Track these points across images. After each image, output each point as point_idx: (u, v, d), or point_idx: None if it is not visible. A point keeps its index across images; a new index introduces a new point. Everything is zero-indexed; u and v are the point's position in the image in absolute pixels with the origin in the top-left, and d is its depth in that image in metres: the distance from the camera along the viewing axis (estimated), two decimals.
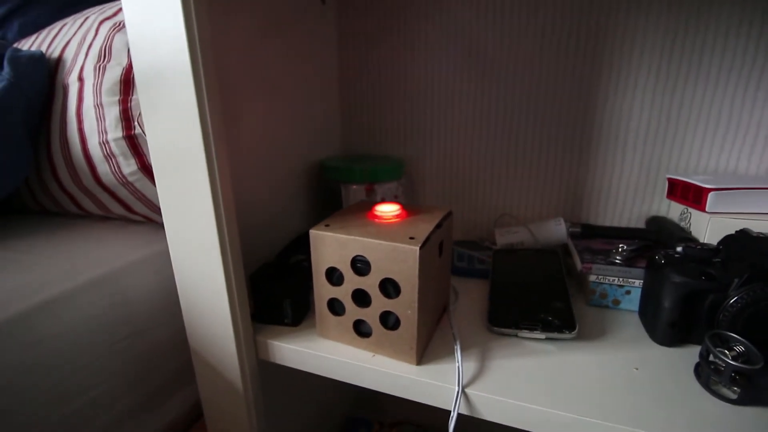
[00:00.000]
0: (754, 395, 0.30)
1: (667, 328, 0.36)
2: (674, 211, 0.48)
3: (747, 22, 0.43)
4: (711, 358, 0.32)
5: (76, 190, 0.54)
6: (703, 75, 0.46)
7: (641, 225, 0.52)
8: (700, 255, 0.36)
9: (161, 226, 0.57)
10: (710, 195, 0.41)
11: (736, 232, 0.37)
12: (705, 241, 0.42)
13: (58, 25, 0.61)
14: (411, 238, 0.33)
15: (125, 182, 0.50)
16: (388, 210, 0.38)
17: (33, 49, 0.60)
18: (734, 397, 0.31)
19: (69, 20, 0.60)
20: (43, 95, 0.52)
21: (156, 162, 0.36)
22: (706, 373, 0.32)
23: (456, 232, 0.62)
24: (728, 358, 0.31)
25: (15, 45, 0.65)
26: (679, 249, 0.38)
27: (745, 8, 0.43)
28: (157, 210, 0.54)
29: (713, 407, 0.31)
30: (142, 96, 0.34)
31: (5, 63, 0.50)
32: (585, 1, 0.48)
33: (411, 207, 0.41)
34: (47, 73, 0.53)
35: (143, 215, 0.56)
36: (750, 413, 0.30)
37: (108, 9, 0.55)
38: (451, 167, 0.60)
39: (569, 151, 0.53)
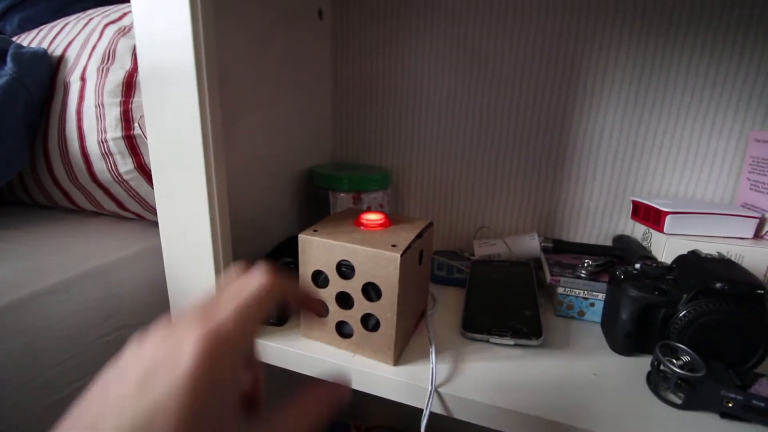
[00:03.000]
0: (696, 400, 0.33)
1: (624, 338, 0.39)
2: (638, 230, 0.52)
3: (705, 62, 0.48)
4: (661, 366, 0.35)
5: (70, 186, 0.55)
6: (666, 108, 0.50)
7: (608, 242, 0.56)
8: (656, 272, 0.40)
9: (152, 223, 0.59)
10: (668, 218, 0.45)
11: (688, 252, 0.41)
12: (663, 260, 0.46)
13: (60, 23, 0.62)
14: (393, 245, 0.36)
15: (121, 180, 0.51)
16: (373, 218, 0.41)
17: (33, 44, 0.61)
18: (679, 402, 0.34)
19: (72, 20, 0.61)
20: (43, 92, 0.54)
21: (155, 161, 0.38)
22: (655, 380, 0.35)
23: (437, 242, 0.65)
24: (675, 366, 0.34)
25: (14, 39, 0.66)
26: (637, 266, 0.41)
27: (705, 49, 0.47)
28: (149, 208, 0.56)
29: (661, 411, 0.34)
30: (145, 95, 0.36)
31: (8, 58, 0.52)
32: (562, 34, 0.52)
33: (395, 217, 0.44)
34: (49, 71, 0.54)
35: (135, 212, 0.57)
36: (693, 417, 0.33)
37: (112, 12, 0.56)
38: (435, 181, 0.63)
39: (544, 172, 0.57)
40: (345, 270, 0.37)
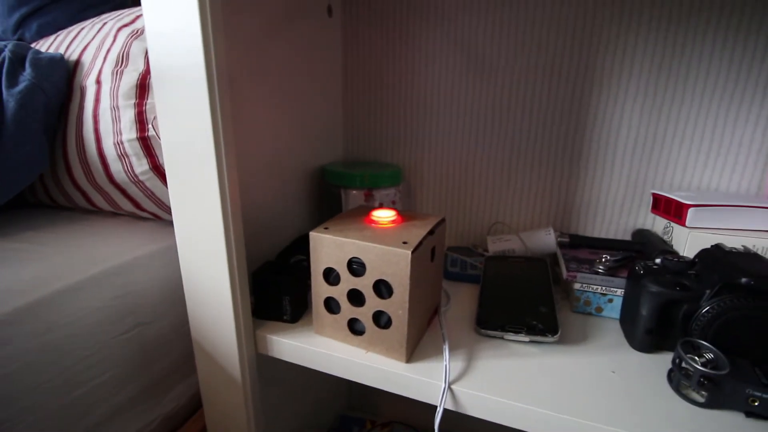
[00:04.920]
0: (720, 399, 0.32)
1: (644, 334, 0.38)
2: (659, 224, 0.51)
3: (729, 48, 0.46)
4: (682, 364, 0.34)
5: (89, 187, 0.56)
6: (687, 96, 0.48)
7: (627, 237, 0.54)
8: (677, 267, 0.38)
9: (167, 222, 0.60)
10: (690, 211, 0.44)
11: (711, 246, 0.39)
12: (685, 254, 0.44)
13: (75, 28, 0.64)
14: (404, 242, 0.35)
15: (136, 181, 0.52)
16: (384, 215, 0.41)
17: (51, 49, 0.63)
18: (702, 400, 0.33)
19: (87, 24, 0.62)
20: (61, 95, 0.55)
21: (168, 161, 0.38)
22: (677, 378, 0.34)
23: (450, 239, 0.65)
24: (697, 364, 0.33)
25: (33, 45, 0.67)
26: (657, 261, 0.40)
27: (728, 35, 0.45)
28: (165, 208, 0.57)
29: (682, 409, 0.33)
30: (157, 96, 0.36)
31: (27, 64, 0.53)
32: (578, 22, 0.50)
33: (406, 213, 0.43)
34: (66, 75, 0.56)
35: (151, 212, 0.58)
36: (715, 416, 0.32)
37: (125, 16, 0.57)
38: (448, 176, 0.62)
39: (560, 165, 0.56)
40: (356, 267, 0.37)
